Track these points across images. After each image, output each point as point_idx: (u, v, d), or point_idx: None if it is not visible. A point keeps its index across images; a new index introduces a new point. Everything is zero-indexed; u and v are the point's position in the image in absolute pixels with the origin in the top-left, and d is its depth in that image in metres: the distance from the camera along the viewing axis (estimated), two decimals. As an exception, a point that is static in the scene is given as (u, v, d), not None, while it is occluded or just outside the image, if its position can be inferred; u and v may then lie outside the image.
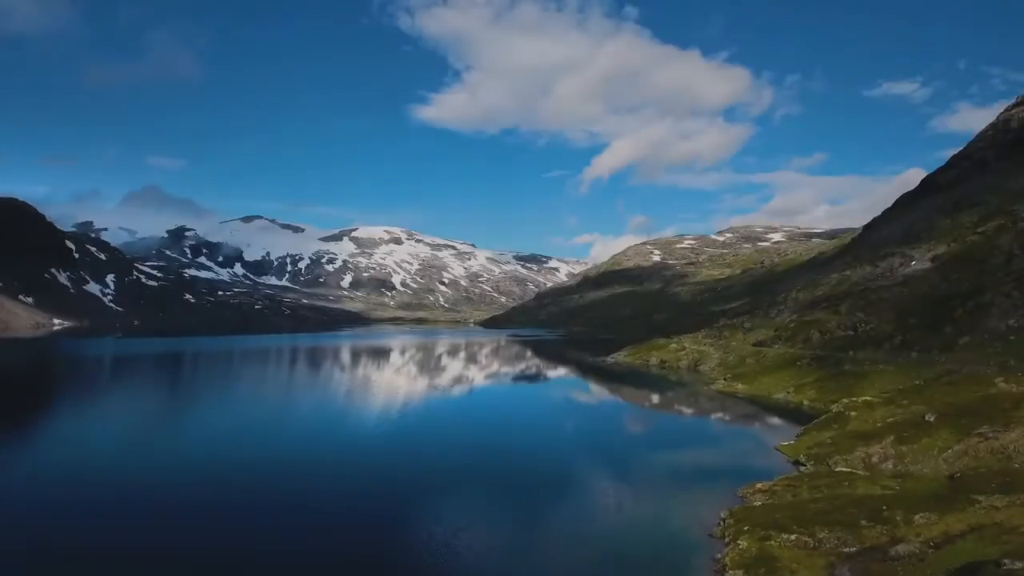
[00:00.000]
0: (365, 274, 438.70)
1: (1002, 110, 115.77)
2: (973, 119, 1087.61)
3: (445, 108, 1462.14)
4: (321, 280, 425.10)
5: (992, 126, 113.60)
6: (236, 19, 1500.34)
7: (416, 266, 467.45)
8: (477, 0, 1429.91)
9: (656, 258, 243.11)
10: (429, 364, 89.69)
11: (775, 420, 41.14)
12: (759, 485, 22.30)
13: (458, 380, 70.36)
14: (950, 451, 23.55)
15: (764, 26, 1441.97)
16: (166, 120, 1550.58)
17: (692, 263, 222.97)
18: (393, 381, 67.14)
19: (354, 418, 44.15)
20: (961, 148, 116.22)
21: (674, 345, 75.52)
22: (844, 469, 23.37)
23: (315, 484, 25.68)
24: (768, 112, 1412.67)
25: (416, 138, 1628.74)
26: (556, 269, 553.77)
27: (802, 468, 25.37)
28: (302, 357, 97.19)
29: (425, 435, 36.86)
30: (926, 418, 26.79)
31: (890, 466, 23.86)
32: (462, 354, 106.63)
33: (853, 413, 31.19)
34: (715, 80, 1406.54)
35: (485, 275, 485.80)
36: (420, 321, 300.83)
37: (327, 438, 35.23)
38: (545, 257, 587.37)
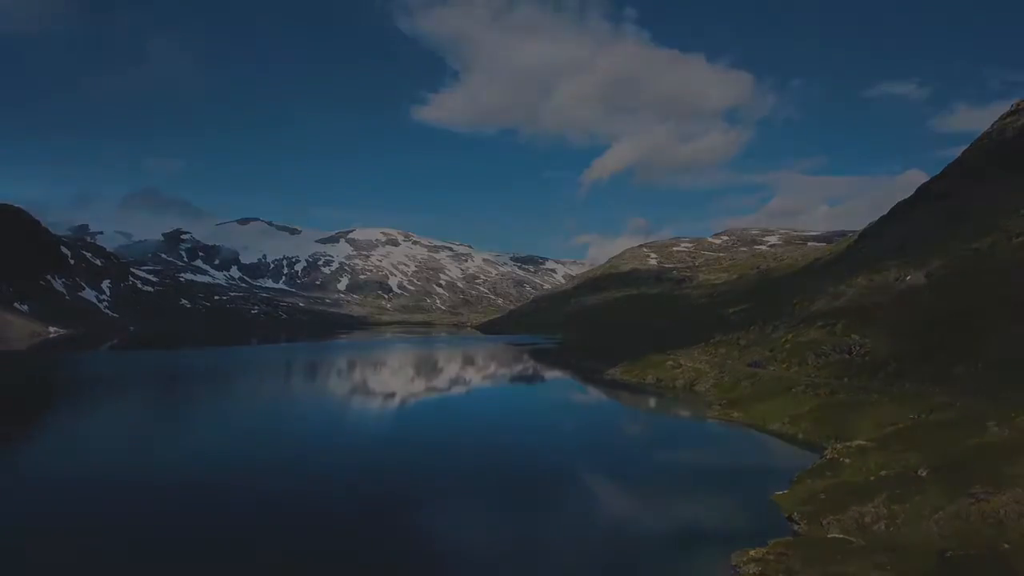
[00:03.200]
0: (362, 276, 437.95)
1: (997, 118, 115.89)
2: (971, 119, 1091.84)
3: (444, 109, 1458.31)
4: (318, 283, 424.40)
5: (987, 134, 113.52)
6: (233, 19, 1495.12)
7: (413, 268, 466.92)
8: (476, 0, 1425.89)
9: (652, 262, 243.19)
10: (426, 376, 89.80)
11: (771, 456, 41.34)
12: (752, 552, 22.32)
13: (455, 383, 70.76)
14: (941, 513, 23.61)
15: (768, 30, 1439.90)
16: (164, 121, 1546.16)
17: (689, 267, 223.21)
18: (393, 398, 67.16)
19: (354, 454, 44.02)
20: (957, 156, 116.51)
21: (670, 363, 75.68)
22: (837, 535, 23.40)
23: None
24: (769, 116, 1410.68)
25: (414, 139, 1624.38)
26: (553, 271, 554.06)
27: (795, 527, 25.43)
28: (301, 372, 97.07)
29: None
30: (919, 473, 26.87)
31: (882, 527, 23.91)
32: (459, 359, 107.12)
33: (847, 460, 31.30)
34: (717, 84, 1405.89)
35: (482, 277, 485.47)
36: (424, 324, 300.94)
37: (334, 469, 35.12)
38: (542, 259, 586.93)
